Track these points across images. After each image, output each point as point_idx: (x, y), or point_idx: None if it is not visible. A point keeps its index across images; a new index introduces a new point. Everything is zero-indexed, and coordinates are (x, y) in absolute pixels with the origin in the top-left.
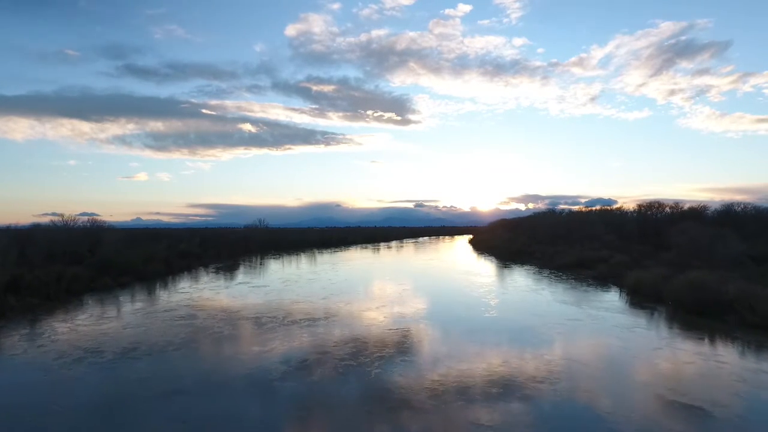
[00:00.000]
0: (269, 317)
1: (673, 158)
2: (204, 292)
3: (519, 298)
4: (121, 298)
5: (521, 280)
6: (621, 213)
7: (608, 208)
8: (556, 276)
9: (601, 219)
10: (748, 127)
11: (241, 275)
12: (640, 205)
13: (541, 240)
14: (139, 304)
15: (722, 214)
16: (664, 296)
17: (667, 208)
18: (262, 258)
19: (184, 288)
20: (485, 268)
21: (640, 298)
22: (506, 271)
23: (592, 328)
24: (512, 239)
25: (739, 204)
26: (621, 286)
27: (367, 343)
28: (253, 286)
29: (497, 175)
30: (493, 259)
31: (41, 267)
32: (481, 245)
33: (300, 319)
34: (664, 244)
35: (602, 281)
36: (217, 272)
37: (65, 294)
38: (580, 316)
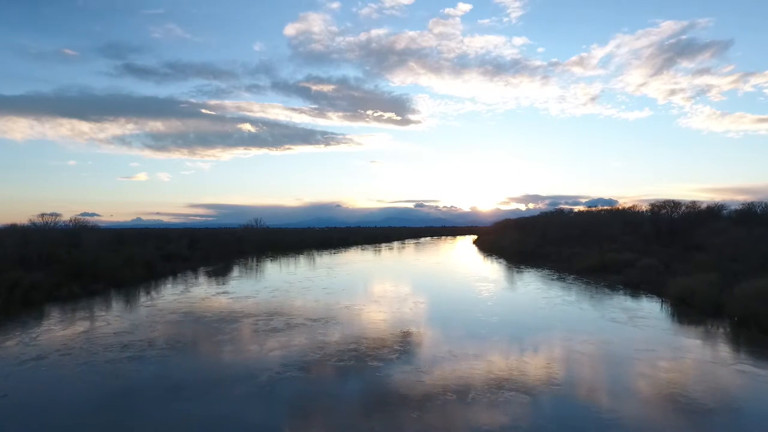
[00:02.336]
0: (243, 345)
1: (674, 158)
2: (177, 303)
3: (559, 314)
4: (79, 312)
5: (547, 288)
6: (634, 213)
7: (623, 207)
8: (582, 282)
9: (615, 219)
10: (749, 127)
11: (227, 281)
12: (653, 205)
13: (552, 241)
14: (92, 322)
15: (743, 213)
16: (726, 309)
17: (684, 208)
18: (256, 260)
19: (157, 298)
20: (500, 273)
21: (694, 312)
22: (525, 276)
23: (685, 366)
24: (522, 240)
25: (759, 204)
26: (660, 295)
27: (369, 405)
28: (236, 297)
29: (497, 175)
30: (505, 262)
31: (7, 272)
32: (487, 246)
33: (281, 355)
34: (691, 246)
35: (634, 288)
36: (202, 277)
37: (19, 305)
38: (648, 343)
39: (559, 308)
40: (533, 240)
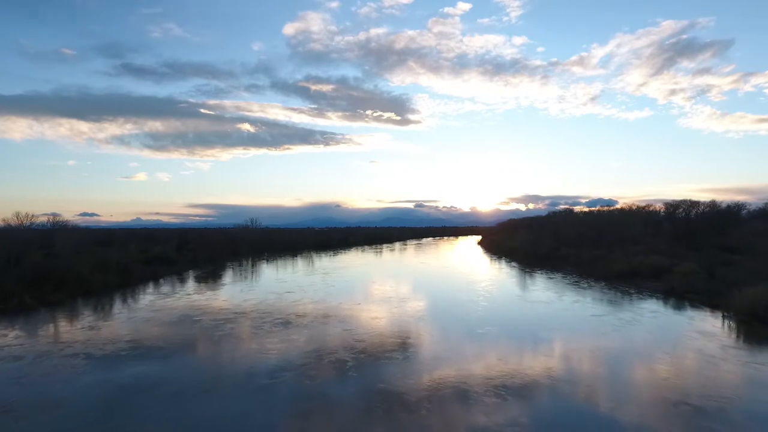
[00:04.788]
0: (194, 392)
1: (674, 158)
2: (137, 320)
3: (626, 343)
4: (16, 331)
5: (585, 301)
6: (648, 212)
7: (638, 207)
8: (618, 292)
9: (632, 219)
10: (749, 127)
11: (209, 289)
12: (667, 204)
13: (567, 242)
14: (17, 348)
15: (765, 213)
16: None
17: (703, 207)
18: (249, 263)
19: (118, 312)
20: (521, 281)
21: None
22: (550, 285)
23: None
24: (534, 241)
25: None
26: (714, 307)
27: None
28: (211, 312)
29: (497, 175)
30: (519, 266)
31: None
32: (494, 248)
33: (245, 412)
34: (726, 248)
35: (678, 298)
36: (184, 283)
37: None
38: None
39: (621, 334)
40: (546, 241)
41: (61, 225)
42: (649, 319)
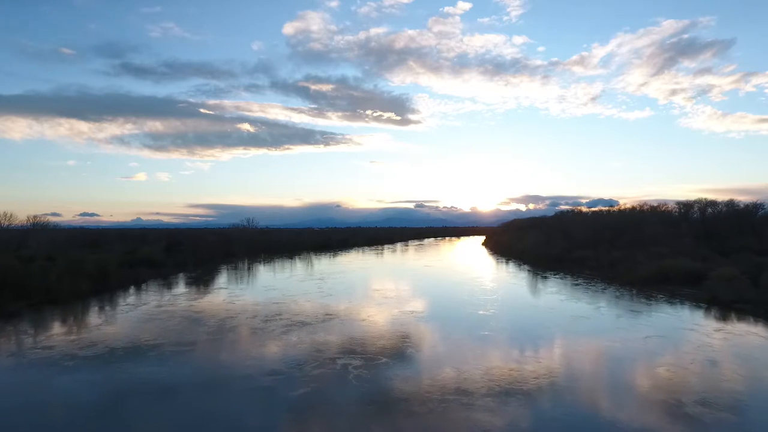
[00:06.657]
0: None
1: (675, 158)
2: (81, 343)
3: (738, 378)
4: None
5: (628, 315)
6: (664, 213)
7: (650, 207)
8: (655, 301)
9: (648, 219)
10: (750, 127)
11: (190, 299)
12: (681, 204)
13: (580, 244)
14: None
15: None
16: None
17: (721, 207)
18: (242, 266)
19: (73, 328)
20: (541, 288)
21: None
22: (575, 293)
23: None
24: (544, 243)
25: None
26: None
27: None
28: (180, 333)
29: (497, 176)
30: (532, 270)
31: None
32: (501, 249)
33: None
34: (764, 250)
35: (725, 308)
36: (166, 290)
37: None
38: None
39: (712, 368)
40: (557, 242)
41: (40, 225)
42: (721, 341)
